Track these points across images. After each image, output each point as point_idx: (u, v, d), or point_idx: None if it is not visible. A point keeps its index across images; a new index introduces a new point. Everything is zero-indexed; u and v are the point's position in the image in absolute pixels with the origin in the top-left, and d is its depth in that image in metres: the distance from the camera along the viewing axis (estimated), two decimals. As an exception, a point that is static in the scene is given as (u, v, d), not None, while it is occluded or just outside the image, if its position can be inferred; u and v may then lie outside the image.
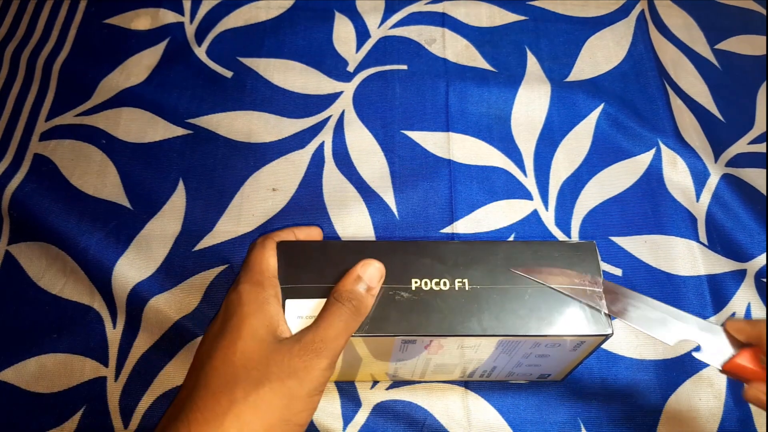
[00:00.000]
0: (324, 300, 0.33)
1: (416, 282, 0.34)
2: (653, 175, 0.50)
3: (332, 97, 0.53)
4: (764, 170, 0.50)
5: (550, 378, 0.41)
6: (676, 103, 0.53)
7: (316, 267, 0.34)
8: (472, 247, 0.35)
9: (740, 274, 0.46)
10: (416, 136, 0.51)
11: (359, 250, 0.35)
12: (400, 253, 0.34)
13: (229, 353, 0.30)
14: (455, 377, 0.41)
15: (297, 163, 0.50)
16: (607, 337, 0.33)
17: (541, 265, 0.34)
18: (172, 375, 0.42)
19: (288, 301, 0.33)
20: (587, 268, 0.34)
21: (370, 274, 0.33)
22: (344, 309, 0.32)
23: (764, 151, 0.51)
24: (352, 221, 0.47)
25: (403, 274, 0.34)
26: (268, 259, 0.34)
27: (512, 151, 0.51)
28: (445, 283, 0.34)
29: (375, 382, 0.42)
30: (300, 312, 0.33)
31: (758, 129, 0.53)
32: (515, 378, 0.41)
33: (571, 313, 0.33)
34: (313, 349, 0.30)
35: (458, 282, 0.34)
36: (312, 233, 0.38)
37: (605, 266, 0.46)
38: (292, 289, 0.33)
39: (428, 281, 0.34)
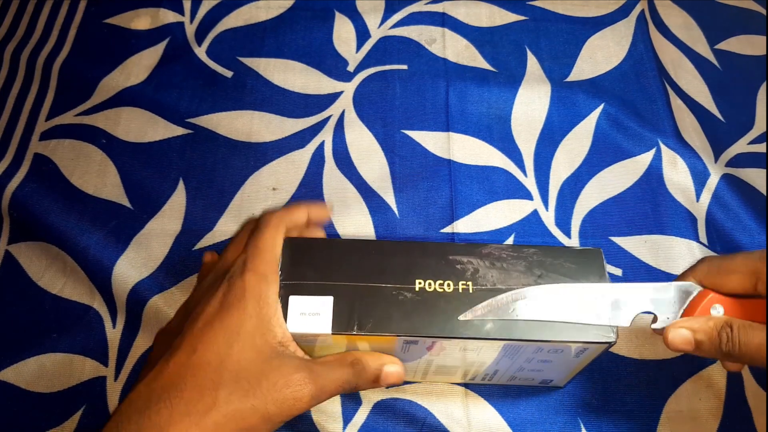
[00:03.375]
0: (328, 298, 0.33)
1: (420, 282, 0.33)
2: (653, 175, 0.50)
3: (332, 97, 0.53)
4: (764, 170, 0.50)
5: (552, 384, 0.41)
6: (676, 103, 0.53)
7: (321, 264, 0.34)
8: (476, 249, 0.35)
9: (740, 274, 0.46)
10: (416, 135, 0.51)
11: (365, 248, 0.35)
12: (404, 253, 0.34)
13: (223, 353, 0.31)
14: (457, 380, 0.41)
15: (297, 162, 0.50)
16: (610, 344, 0.33)
17: None
18: (173, 375, 0.42)
19: (291, 298, 0.33)
20: (592, 274, 0.34)
21: (389, 373, 0.34)
22: (352, 377, 0.34)
23: (764, 151, 0.51)
24: (353, 221, 0.47)
25: (406, 275, 0.34)
26: (277, 247, 0.34)
27: (512, 151, 0.51)
28: (448, 285, 0.33)
29: (375, 382, 0.42)
30: (303, 309, 0.33)
31: (758, 129, 0.53)
32: (517, 382, 0.40)
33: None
34: (308, 391, 0.31)
35: (462, 284, 0.34)
36: (322, 214, 0.39)
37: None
38: (296, 286, 0.33)
39: (432, 282, 0.33)
